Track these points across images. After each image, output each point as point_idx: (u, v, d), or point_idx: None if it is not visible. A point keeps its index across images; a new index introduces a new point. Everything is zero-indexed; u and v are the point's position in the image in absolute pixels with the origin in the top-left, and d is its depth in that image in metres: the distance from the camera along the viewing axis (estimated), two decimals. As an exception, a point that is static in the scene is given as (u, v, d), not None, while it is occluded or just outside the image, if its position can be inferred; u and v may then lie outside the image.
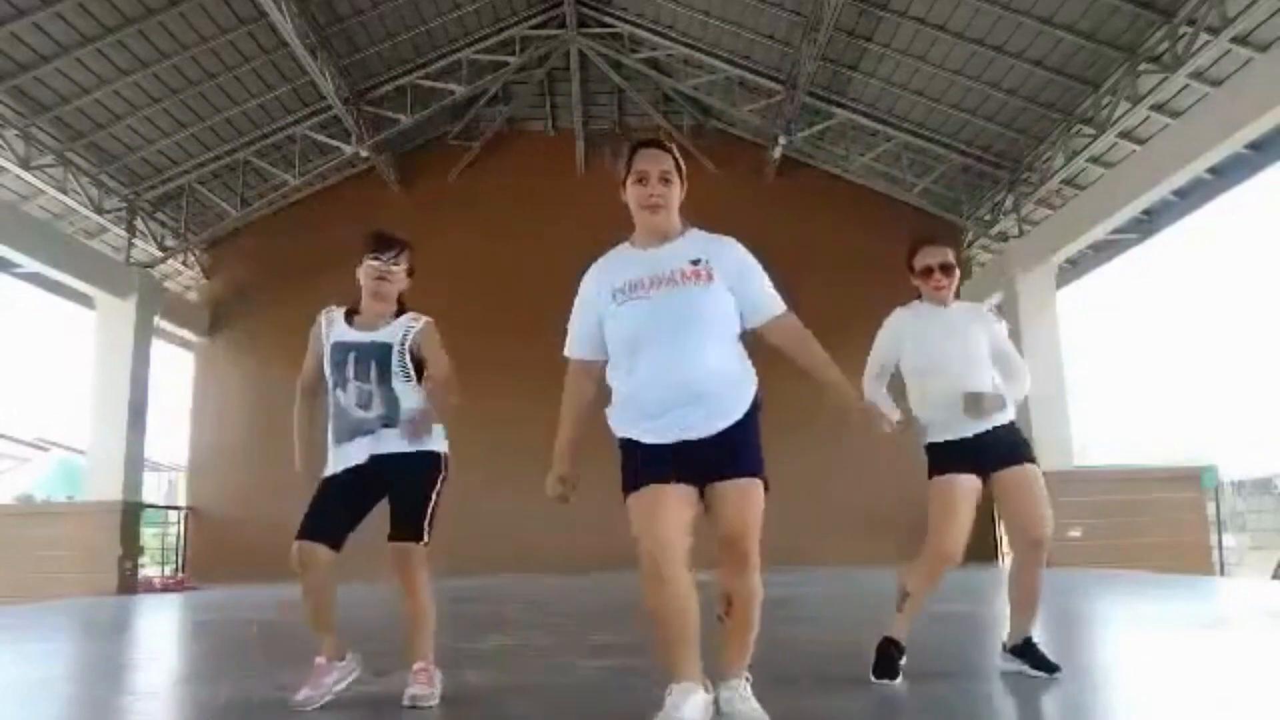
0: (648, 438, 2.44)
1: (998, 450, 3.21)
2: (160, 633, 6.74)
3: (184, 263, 13.48)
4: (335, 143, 12.13)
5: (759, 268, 2.57)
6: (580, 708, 2.95)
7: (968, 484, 3.17)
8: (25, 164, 10.10)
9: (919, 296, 3.43)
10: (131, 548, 11.05)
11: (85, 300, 11.54)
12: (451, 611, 6.92)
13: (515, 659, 4.02)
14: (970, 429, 3.21)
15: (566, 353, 2.63)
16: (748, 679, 2.44)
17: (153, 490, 17.67)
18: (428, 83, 12.07)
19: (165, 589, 11.33)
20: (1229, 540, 12.88)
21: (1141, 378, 42.49)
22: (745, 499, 2.39)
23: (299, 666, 3.73)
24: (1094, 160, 10.93)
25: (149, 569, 13.02)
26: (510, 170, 13.56)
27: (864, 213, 12.86)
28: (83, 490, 12.02)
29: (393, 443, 3.05)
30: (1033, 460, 3.24)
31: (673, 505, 2.37)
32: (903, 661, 3.15)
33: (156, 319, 12.11)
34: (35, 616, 7.49)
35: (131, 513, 11.13)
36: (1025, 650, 3.14)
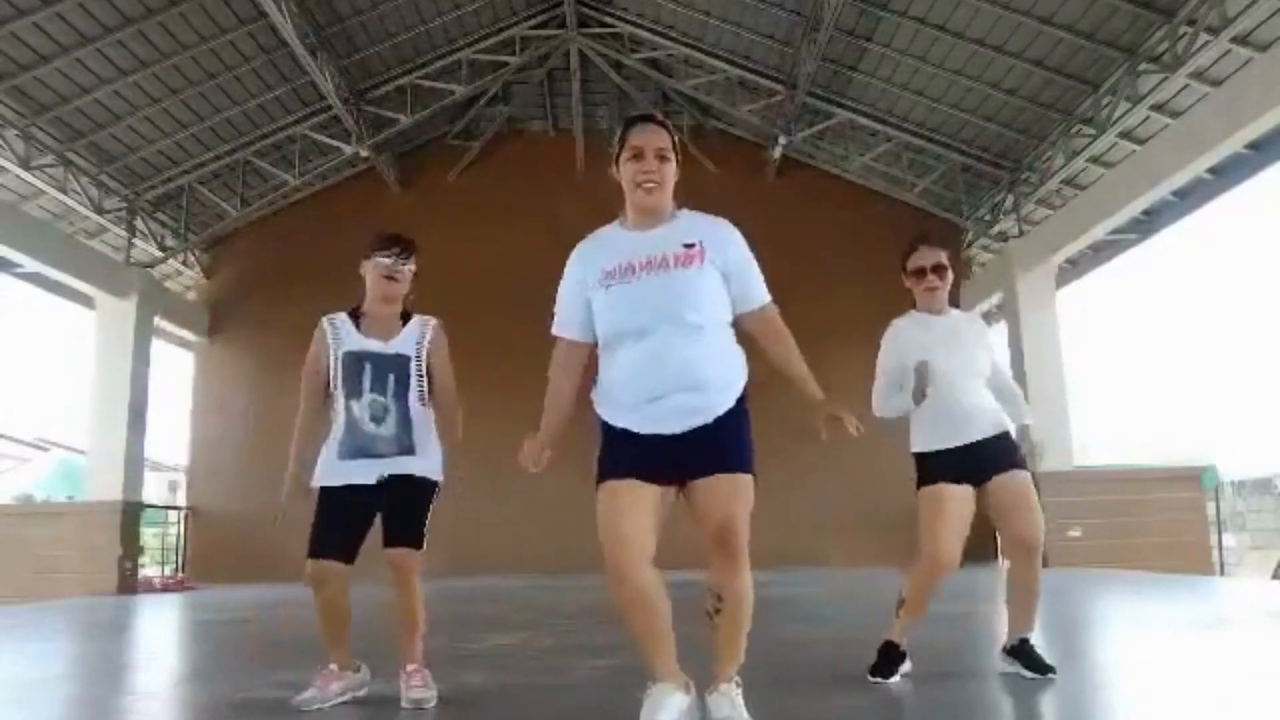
0: (632, 427, 2.38)
1: (989, 460, 3.20)
2: (160, 633, 6.74)
3: (184, 263, 13.47)
4: (335, 143, 12.13)
5: (750, 255, 2.51)
6: (580, 708, 2.95)
7: (958, 492, 3.17)
8: (25, 164, 10.10)
9: (914, 305, 3.42)
10: (131, 548, 11.06)
11: (85, 300, 11.54)
12: (451, 611, 6.92)
13: (515, 659, 4.02)
14: (959, 439, 3.20)
15: (555, 331, 2.55)
16: (738, 683, 2.36)
17: (153, 490, 17.70)
18: (428, 83, 12.07)
19: (165, 589, 11.33)
20: (1229, 540, 12.88)
21: (1141, 378, 42.51)
22: (734, 494, 2.31)
23: (299, 666, 3.74)
24: (1094, 160, 10.93)
25: (149, 569, 13.03)
26: (510, 170, 13.57)
27: (864, 213, 12.85)
28: (83, 490, 12.02)
29: (407, 467, 3.04)
30: (1024, 466, 3.21)
31: (642, 503, 2.32)
32: (905, 666, 3.14)
33: (156, 319, 12.12)
34: (35, 616, 7.49)
35: (131, 513, 11.13)
36: (1020, 651, 3.14)
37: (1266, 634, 4.55)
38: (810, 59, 10.69)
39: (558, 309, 2.56)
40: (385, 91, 12.04)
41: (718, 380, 2.38)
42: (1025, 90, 10.61)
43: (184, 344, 13.66)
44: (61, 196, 10.91)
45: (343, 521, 3.02)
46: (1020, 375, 11.37)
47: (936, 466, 3.22)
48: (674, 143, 2.47)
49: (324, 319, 3.18)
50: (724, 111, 13.00)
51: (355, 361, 3.06)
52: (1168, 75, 8.86)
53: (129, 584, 10.73)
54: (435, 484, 3.13)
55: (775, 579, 9.25)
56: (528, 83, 13.18)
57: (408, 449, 3.05)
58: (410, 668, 3.04)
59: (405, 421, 3.05)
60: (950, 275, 3.37)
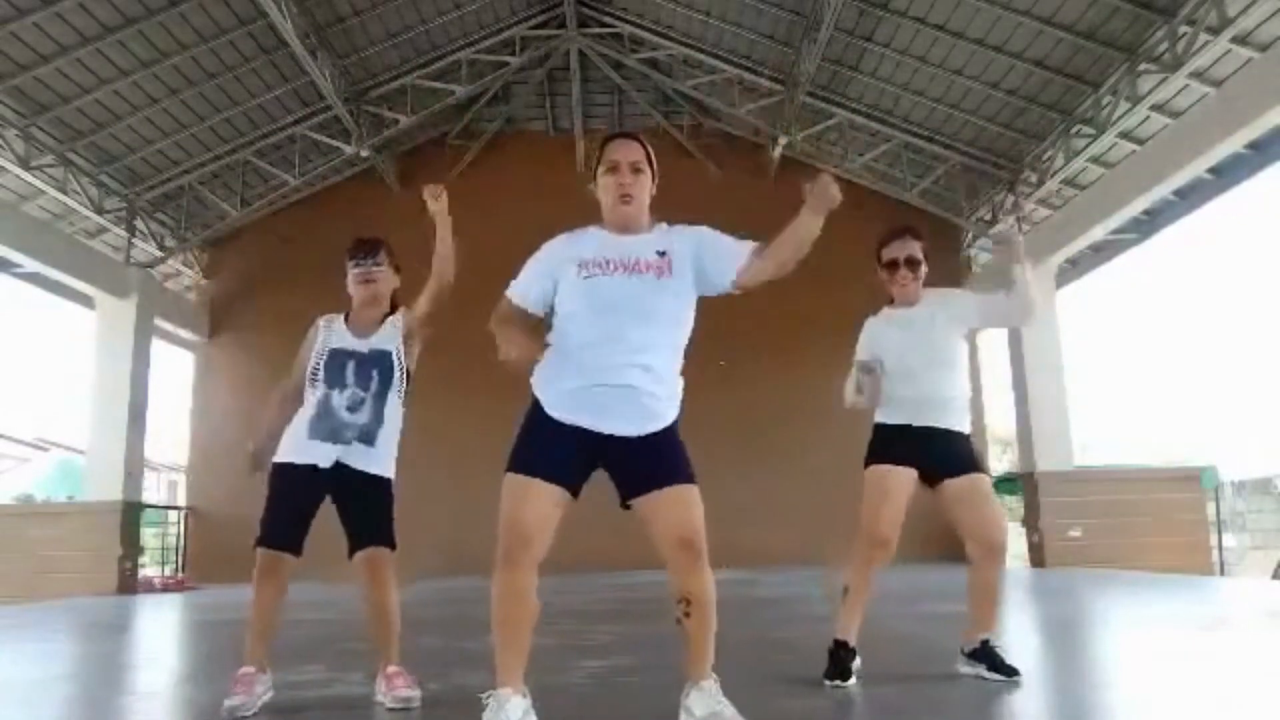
0: (557, 412, 2.45)
1: (946, 456, 3.21)
2: (160, 633, 6.75)
3: (184, 263, 13.47)
4: (335, 143, 12.13)
5: (717, 232, 2.60)
6: (580, 708, 2.95)
7: (903, 475, 3.20)
8: (25, 164, 10.09)
9: (891, 301, 3.42)
10: (131, 548, 11.05)
11: (85, 300, 11.54)
12: (451, 612, 6.94)
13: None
14: (915, 420, 3.22)
15: (508, 293, 2.61)
16: (715, 680, 2.42)
17: (153, 490, 17.69)
18: (428, 83, 12.07)
19: (165, 589, 11.33)
20: (1229, 540, 12.89)
21: (1141, 378, 42.50)
22: (689, 503, 2.42)
23: (299, 666, 3.74)
24: (1094, 160, 10.93)
25: (149, 569, 13.03)
26: (510, 171, 13.54)
27: (864, 213, 12.79)
28: (83, 490, 12.01)
29: (361, 459, 3.07)
30: (984, 471, 3.24)
31: (549, 505, 2.40)
32: (856, 663, 3.15)
33: (156, 319, 12.12)
34: (35, 616, 7.49)
35: (131, 513, 11.12)
36: (983, 653, 3.14)
37: (1266, 634, 4.55)
38: (810, 59, 10.69)
39: (522, 275, 2.62)
40: (385, 91, 12.04)
41: (655, 395, 2.45)
42: (1025, 90, 10.61)
43: (184, 344, 13.66)
44: (61, 196, 10.90)
45: (296, 508, 3.03)
46: (1020, 375, 11.39)
47: (887, 442, 3.26)
48: (648, 156, 2.60)
49: (321, 319, 3.26)
50: (724, 111, 12.99)
51: (339, 358, 3.13)
52: (1168, 75, 8.85)
53: (129, 584, 10.73)
54: (389, 482, 3.16)
55: (774, 579, 9.25)
56: (528, 83, 13.18)
57: (370, 438, 3.07)
58: (391, 669, 3.06)
59: (379, 416, 3.10)
60: (924, 268, 3.37)
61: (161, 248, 12.51)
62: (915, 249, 3.36)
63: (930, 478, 3.22)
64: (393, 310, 3.27)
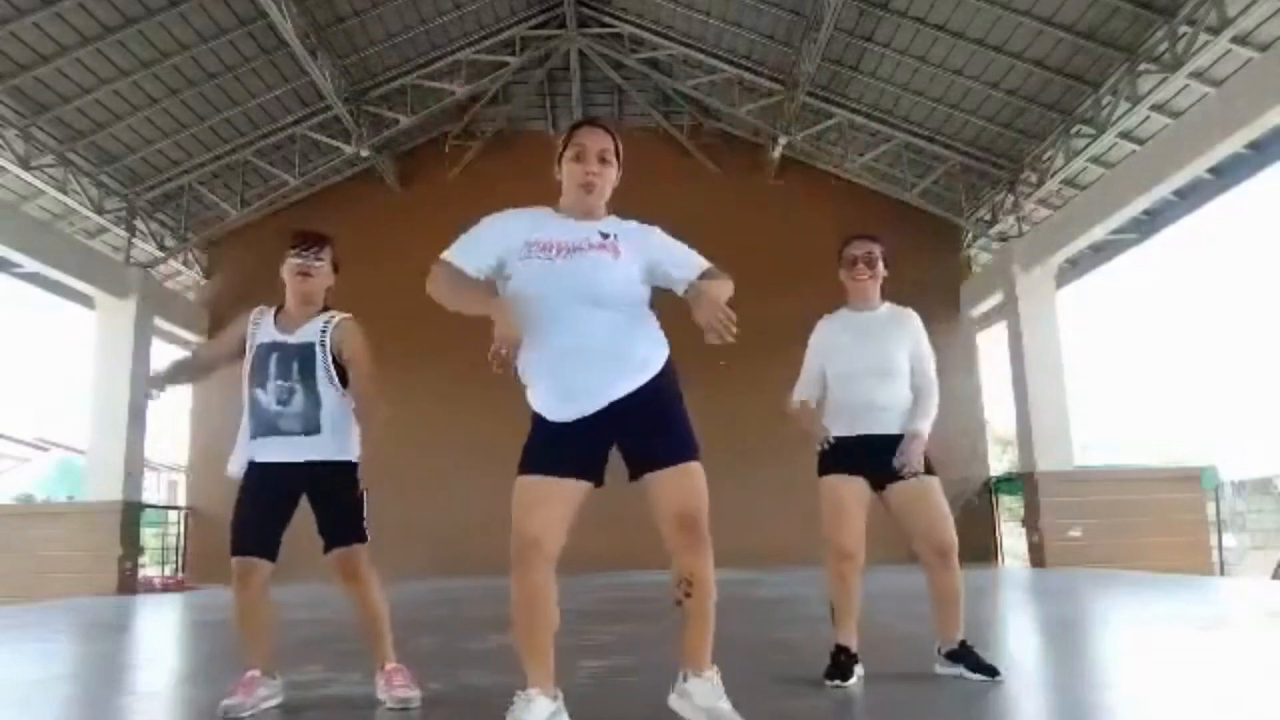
0: (553, 414, 2.43)
1: (887, 462, 3.19)
2: (160, 633, 6.74)
3: (184, 263, 13.47)
4: (335, 143, 12.13)
5: (672, 238, 2.59)
6: (580, 708, 2.95)
7: (853, 484, 3.22)
8: (25, 164, 10.10)
9: (848, 301, 3.46)
10: (131, 548, 11.05)
11: (85, 300, 11.54)
12: (451, 612, 6.94)
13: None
14: (856, 429, 3.24)
15: (446, 256, 2.47)
16: (717, 672, 2.40)
17: (153, 490, 17.69)
18: (428, 83, 12.07)
19: (165, 589, 11.33)
20: (1229, 540, 12.89)
21: (1141, 378, 42.51)
22: (691, 480, 2.39)
23: (299, 666, 3.74)
24: (1094, 160, 10.93)
25: (149, 569, 13.02)
26: (510, 171, 13.50)
27: (864, 213, 12.84)
28: (83, 490, 12.02)
29: (312, 451, 3.00)
30: (930, 472, 3.22)
31: (555, 502, 2.37)
32: (858, 668, 3.15)
33: (156, 319, 12.12)
34: (35, 616, 7.49)
35: (131, 513, 11.13)
36: (962, 654, 3.14)
37: (1266, 634, 4.55)
38: (810, 59, 10.69)
39: (464, 240, 2.51)
40: (385, 91, 12.04)
41: (620, 353, 2.40)
42: (1025, 90, 10.61)
43: (184, 344, 13.64)
44: (61, 196, 10.91)
45: (261, 511, 3.01)
46: (1020, 375, 11.39)
47: (832, 454, 3.27)
48: (616, 148, 2.57)
49: (254, 312, 3.21)
50: (724, 111, 12.99)
51: (265, 352, 3.07)
52: (1168, 75, 8.86)
53: (129, 584, 10.73)
54: (353, 465, 3.06)
55: (774, 579, 9.24)
56: (528, 83, 13.17)
57: (314, 428, 3.00)
58: (389, 667, 3.03)
59: (313, 400, 3.01)
60: (881, 267, 3.42)
61: (161, 248, 12.51)
62: (874, 249, 3.43)
63: (877, 485, 3.23)
64: (325, 310, 3.19)
